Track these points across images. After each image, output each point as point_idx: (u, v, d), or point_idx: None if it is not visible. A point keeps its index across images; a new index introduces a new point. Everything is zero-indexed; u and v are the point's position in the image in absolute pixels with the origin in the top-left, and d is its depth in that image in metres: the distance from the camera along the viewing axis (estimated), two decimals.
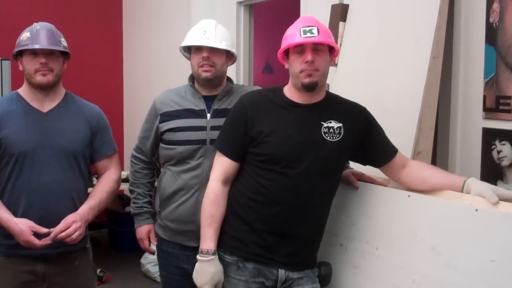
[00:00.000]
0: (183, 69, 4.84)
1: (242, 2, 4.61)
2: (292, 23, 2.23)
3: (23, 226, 2.31)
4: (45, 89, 2.46)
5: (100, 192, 2.56)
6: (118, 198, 5.56)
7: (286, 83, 2.26)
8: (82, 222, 2.41)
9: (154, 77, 5.84)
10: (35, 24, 2.49)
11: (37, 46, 2.39)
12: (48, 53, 2.42)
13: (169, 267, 2.64)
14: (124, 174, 5.40)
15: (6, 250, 2.43)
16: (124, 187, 5.22)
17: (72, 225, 2.37)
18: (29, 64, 2.42)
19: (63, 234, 2.35)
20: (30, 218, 2.36)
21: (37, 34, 2.42)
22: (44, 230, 2.34)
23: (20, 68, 2.48)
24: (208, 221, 2.22)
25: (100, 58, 6.13)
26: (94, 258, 2.69)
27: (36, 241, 2.32)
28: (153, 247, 2.76)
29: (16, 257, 2.42)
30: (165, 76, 5.56)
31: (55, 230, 2.34)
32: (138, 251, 2.75)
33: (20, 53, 2.45)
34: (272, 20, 5.99)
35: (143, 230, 2.71)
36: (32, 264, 2.43)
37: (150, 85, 5.88)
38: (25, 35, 2.44)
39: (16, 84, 2.56)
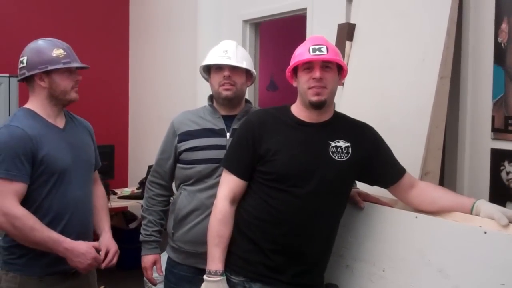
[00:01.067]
0: (189, 86, 4.88)
1: (248, 21, 4.62)
2: (298, 41, 2.23)
3: (87, 245, 2.39)
4: (68, 105, 2.51)
5: (106, 211, 2.69)
6: (122, 215, 5.54)
7: (291, 100, 2.26)
8: None
9: (160, 94, 5.85)
10: (53, 40, 2.48)
11: (77, 64, 2.45)
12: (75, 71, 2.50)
13: None
14: (128, 190, 5.45)
15: (41, 269, 2.39)
16: (128, 204, 5.27)
17: (116, 255, 2.56)
18: (65, 81, 2.42)
19: (109, 264, 2.53)
20: (70, 234, 2.38)
21: (71, 52, 2.46)
22: (102, 248, 2.51)
23: (43, 84, 2.41)
24: (216, 241, 2.19)
25: (106, 75, 6.14)
26: (97, 275, 2.69)
27: (100, 257, 2.44)
28: (156, 279, 2.74)
29: (52, 275, 2.40)
30: (171, 93, 5.58)
31: (102, 256, 2.49)
32: (141, 268, 2.72)
33: (48, 70, 2.40)
34: (277, 38, 6.01)
35: (149, 259, 2.68)
36: (65, 281, 2.43)
37: (156, 102, 5.90)
38: (59, 51, 2.42)
39: (23, 101, 2.54)
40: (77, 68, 2.50)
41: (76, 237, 2.39)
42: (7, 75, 3.98)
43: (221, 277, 2.15)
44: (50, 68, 2.38)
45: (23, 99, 2.56)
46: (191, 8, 5.11)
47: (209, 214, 2.37)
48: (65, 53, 2.42)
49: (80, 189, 2.46)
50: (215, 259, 2.17)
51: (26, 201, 2.33)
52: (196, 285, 2.46)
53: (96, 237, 2.59)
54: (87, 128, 2.64)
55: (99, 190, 2.72)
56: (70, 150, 2.45)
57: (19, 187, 2.30)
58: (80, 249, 2.34)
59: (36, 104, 2.46)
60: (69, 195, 2.41)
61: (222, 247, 2.18)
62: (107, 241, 2.55)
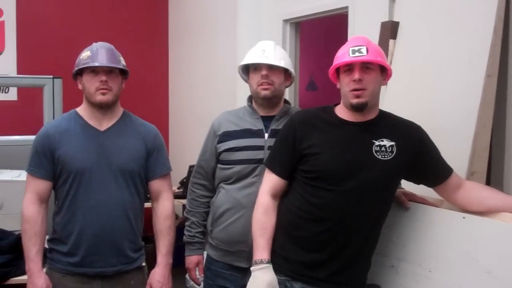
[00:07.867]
0: (228, 86, 4.89)
1: (288, 20, 4.60)
2: (339, 40, 2.23)
3: (43, 283, 2.40)
4: (104, 108, 2.48)
5: (165, 236, 2.61)
6: None
7: (330, 100, 2.27)
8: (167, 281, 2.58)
9: (199, 94, 5.87)
10: (94, 43, 2.51)
11: (96, 64, 2.41)
12: (107, 72, 2.44)
13: (214, 287, 2.61)
14: None
15: (64, 267, 2.46)
16: None
17: None
18: (89, 83, 2.44)
19: None
20: (85, 236, 2.42)
21: (97, 53, 2.44)
22: (147, 285, 2.57)
23: (80, 87, 2.50)
24: (260, 232, 2.22)
25: (146, 75, 6.20)
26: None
27: None
28: (201, 279, 2.74)
29: (73, 275, 2.45)
30: (210, 93, 5.60)
31: None
32: (184, 266, 2.74)
33: (80, 72, 2.47)
34: (317, 37, 5.97)
35: (192, 260, 2.69)
36: (89, 282, 2.46)
37: (195, 102, 5.93)
38: (85, 54, 2.47)
39: (67, 102, 2.59)
40: (121, 73, 2.52)
41: (93, 240, 2.42)
42: (51, 76, 4.02)
43: (267, 265, 2.16)
44: (75, 69, 2.47)
45: (68, 100, 2.60)
46: (230, 8, 5.12)
47: (244, 213, 2.45)
48: (90, 54, 2.44)
49: (102, 192, 2.44)
50: (260, 249, 2.20)
51: (56, 199, 2.48)
52: (230, 282, 2.53)
53: None
54: (141, 133, 2.58)
55: (161, 207, 2.63)
56: (99, 152, 2.46)
57: (38, 183, 2.43)
58: (35, 283, 2.39)
59: (82, 106, 2.55)
60: (87, 197, 2.43)
61: (266, 237, 2.21)
62: (153, 278, 2.55)
